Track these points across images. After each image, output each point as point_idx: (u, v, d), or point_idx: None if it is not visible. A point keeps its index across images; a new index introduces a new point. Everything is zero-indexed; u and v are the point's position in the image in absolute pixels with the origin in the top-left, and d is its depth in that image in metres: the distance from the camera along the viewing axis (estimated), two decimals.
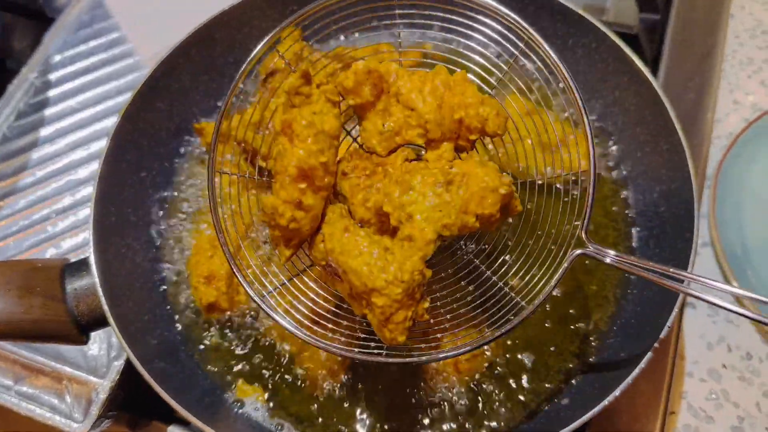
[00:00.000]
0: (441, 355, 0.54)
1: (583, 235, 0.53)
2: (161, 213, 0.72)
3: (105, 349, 0.74)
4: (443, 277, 0.62)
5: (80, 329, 0.61)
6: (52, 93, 0.91)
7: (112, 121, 0.87)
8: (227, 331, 0.68)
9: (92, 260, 0.62)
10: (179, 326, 0.68)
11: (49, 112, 0.90)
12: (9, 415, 0.73)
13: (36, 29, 1.00)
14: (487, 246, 0.64)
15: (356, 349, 0.54)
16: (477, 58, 0.62)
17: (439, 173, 0.55)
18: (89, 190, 0.83)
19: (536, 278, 0.55)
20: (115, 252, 0.65)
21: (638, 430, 0.70)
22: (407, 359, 0.53)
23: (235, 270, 0.55)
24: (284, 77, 0.76)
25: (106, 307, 0.60)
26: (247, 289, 0.55)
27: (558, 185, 0.71)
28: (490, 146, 0.74)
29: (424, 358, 0.53)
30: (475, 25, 0.60)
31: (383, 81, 0.59)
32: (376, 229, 0.57)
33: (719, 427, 0.71)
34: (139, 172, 0.72)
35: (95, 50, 0.94)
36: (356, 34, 0.85)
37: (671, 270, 0.51)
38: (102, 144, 0.85)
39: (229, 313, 0.68)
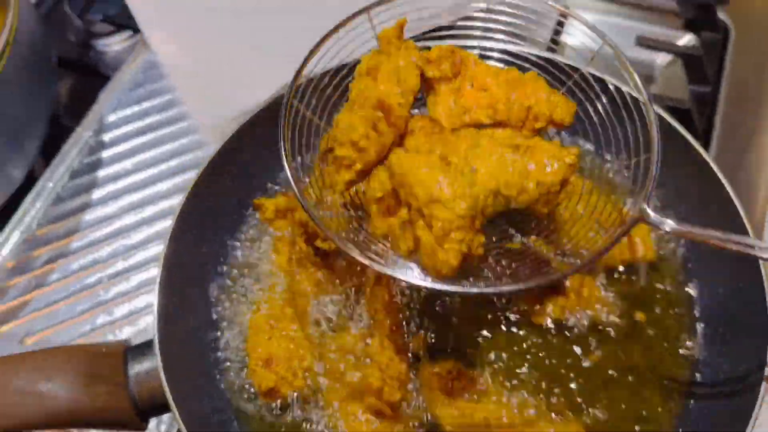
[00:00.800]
0: (507, 288, 0.57)
1: (645, 205, 0.55)
2: (220, 292, 0.72)
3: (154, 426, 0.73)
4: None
5: (140, 415, 0.61)
6: (106, 154, 0.92)
7: (166, 186, 0.88)
8: (287, 415, 0.67)
9: (156, 344, 0.62)
10: (237, 410, 0.67)
11: (102, 173, 0.90)
12: None
13: (91, 86, 1.01)
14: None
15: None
16: None
17: (506, 138, 0.59)
18: (143, 255, 0.84)
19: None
20: (176, 334, 0.65)
21: None
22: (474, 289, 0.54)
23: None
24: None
25: (168, 393, 0.60)
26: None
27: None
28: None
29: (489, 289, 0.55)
30: None
31: (463, 64, 0.62)
32: None
33: None
34: (201, 248, 0.72)
35: (149, 111, 0.95)
36: None
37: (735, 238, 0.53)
38: (155, 208, 0.86)
39: (288, 397, 0.67)
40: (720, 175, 0.69)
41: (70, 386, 0.57)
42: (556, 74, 0.66)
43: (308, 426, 0.65)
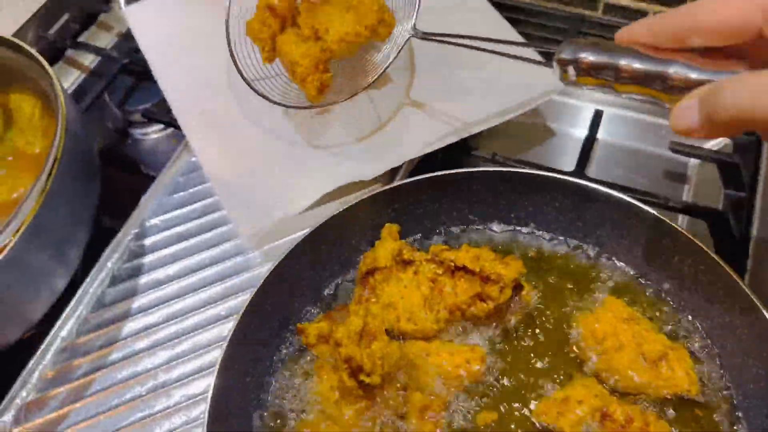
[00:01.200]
0: None
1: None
2: (262, 423, 0.72)
3: None
4: None
5: None
6: (147, 259, 0.93)
7: (207, 293, 0.89)
8: None
9: None
10: None
11: (144, 279, 0.91)
12: None
13: (131, 184, 1.03)
14: None
15: None
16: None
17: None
18: (183, 368, 0.84)
19: None
20: None
21: None
22: None
23: None
24: (384, 275, 0.77)
25: None
26: None
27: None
28: (593, 357, 0.74)
29: None
30: None
31: None
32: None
33: None
34: (245, 377, 0.72)
35: (190, 215, 0.96)
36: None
37: None
38: (195, 319, 0.87)
39: None
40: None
41: None
42: None
43: None
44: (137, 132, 1.19)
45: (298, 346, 0.77)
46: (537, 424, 0.70)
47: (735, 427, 0.70)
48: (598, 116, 1.05)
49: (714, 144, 1.10)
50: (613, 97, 1.15)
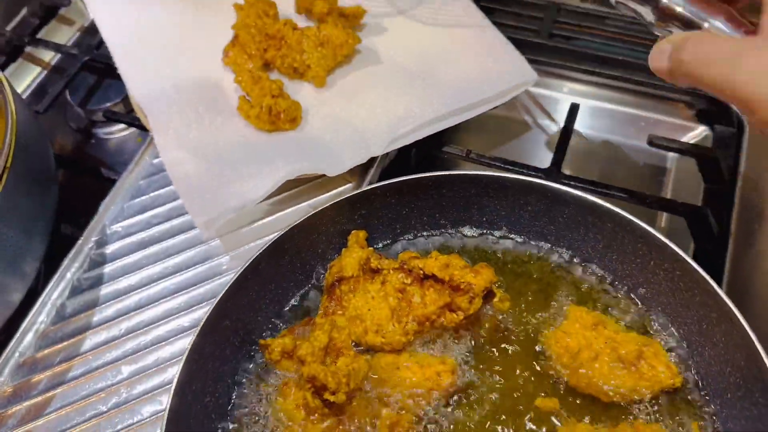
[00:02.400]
0: None
1: None
2: None
3: None
4: None
5: None
6: (109, 268, 0.90)
7: (171, 304, 0.86)
8: None
9: None
10: None
11: (105, 290, 0.88)
12: None
13: (92, 188, 0.99)
14: None
15: None
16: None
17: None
18: (148, 383, 0.81)
19: None
20: None
21: None
22: None
23: None
24: (351, 285, 0.74)
25: None
26: None
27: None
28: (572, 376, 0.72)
29: None
30: None
31: None
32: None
33: None
34: (204, 398, 0.69)
35: (152, 220, 0.93)
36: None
37: None
38: (158, 332, 0.84)
39: None
40: (746, 327, 0.66)
41: None
42: None
43: None
44: (101, 132, 1.15)
45: (262, 362, 0.74)
46: None
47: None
48: (574, 109, 1.02)
49: (692, 137, 1.08)
50: (591, 88, 1.14)
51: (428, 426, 0.69)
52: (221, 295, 0.69)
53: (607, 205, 0.74)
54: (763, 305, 0.84)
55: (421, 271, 0.74)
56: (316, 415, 0.69)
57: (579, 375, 0.70)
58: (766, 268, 0.91)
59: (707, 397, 0.70)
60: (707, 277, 0.68)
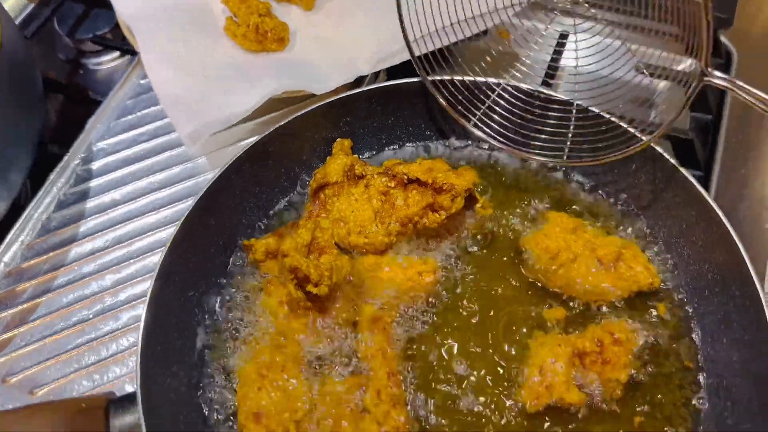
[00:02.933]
0: None
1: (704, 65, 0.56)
2: (208, 338, 0.70)
3: None
4: None
5: None
6: (95, 183, 0.90)
7: (155, 218, 0.86)
8: None
9: (138, 397, 0.59)
10: None
11: (91, 203, 0.88)
12: None
13: (80, 111, 0.99)
14: None
15: None
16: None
17: None
18: (131, 291, 0.82)
19: None
20: (161, 384, 0.63)
21: None
22: None
23: None
24: (335, 190, 0.74)
25: None
26: None
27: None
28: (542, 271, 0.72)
29: None
30: None
31: None
32: None
33: None
34: (187, 291, 0.69)
35: (140, 138, 0.93)
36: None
37: None
38: (142, 243, 0.84)
39: None
40: (726, 224, 0.66)
41: None
42: None
43: None
44: (90, 62, 1.14)
45: (247, 264, 0.75)
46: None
47: (691, 335, 0.69)
48: (563, 38, 1.01)
49: (682, 65, 1.08)
50: (579, 20, 1.13)
51: (410, 323, 0.70)
52: (204, 190, 0.69)
53: (594, 109, 0.74)
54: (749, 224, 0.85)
55: (405, 176, 0.74)
56: (299, 310, 0.69)
57: (557, 276, 0.71)
58: (750, 192, 0.92)
59: (685, 298, 0.70)
60: (688, 175, 0.69)
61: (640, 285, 0.70)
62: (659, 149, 0.71)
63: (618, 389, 0.64)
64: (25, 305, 0.82)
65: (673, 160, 0.70)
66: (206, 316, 0.71)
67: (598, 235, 0.73)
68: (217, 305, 0.72)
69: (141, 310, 0.77)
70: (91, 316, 0.81)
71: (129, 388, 0.74)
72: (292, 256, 0.67)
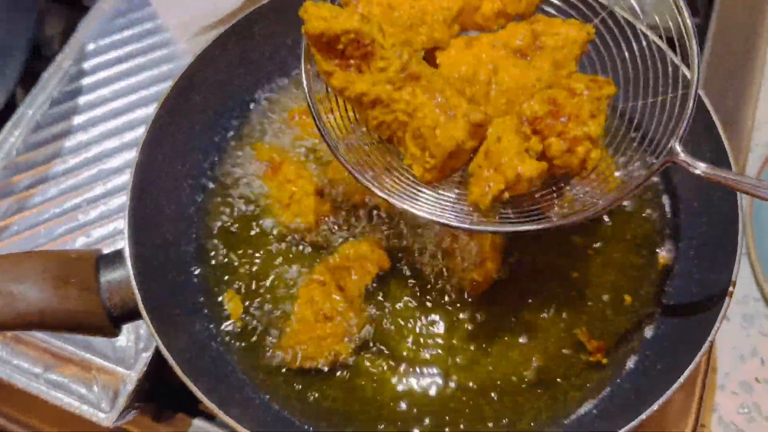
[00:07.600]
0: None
1: (677, 145, 0.52)
2: (197, 207, 0.72)
3: (133, 341, 0.74)
4: None
5: (113, 321, 0.61)
6: (86, 81, 0.91)
7: (145, 112, 0.88)
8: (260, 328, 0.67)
9: (127, 252, 0.62)
10: (212, 322, 0.68)
11: (83, 100, 0.90)
12: (36, 402, 0.73)
13: (71, 16, 1.00)
14: None
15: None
16: None
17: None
18: (122, 180, 0.84)
19: None
20: (150, 244, 0.65)
21: None
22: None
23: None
24: None
25: (139, 301, 0.60)
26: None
27: None
28: None
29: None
30: None
31: None
32: None
33: None
34: (175, 164, 0.71)
35: (130, 39, 0.94)
36: None
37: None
38: (135, 134, 0.86)
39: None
40: (708, 104, 0.67)
41: (40, 288, 0.57)
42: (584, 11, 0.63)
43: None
44: None
45: (234, 144, 0.76)
46: None
47: (662, 200, 0.71)
48: None
49: None
50: None
51: None
52: (189, 63, 0.71)
53: None
54: None
55: None
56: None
57: (490, 98, 0.57)
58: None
59: None
60: (670, 53, 0.69)
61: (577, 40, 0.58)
62: (634, 21, 0.70)
63: (593, 152, 0.52)
64: (21, 194, 0.84)
65: (647, 31, 0.70)
66: (196, 189, 0.73)
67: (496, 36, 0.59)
68: (206, 179, 0.74)
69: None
70: (85, 204, 0.83)
71: None
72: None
